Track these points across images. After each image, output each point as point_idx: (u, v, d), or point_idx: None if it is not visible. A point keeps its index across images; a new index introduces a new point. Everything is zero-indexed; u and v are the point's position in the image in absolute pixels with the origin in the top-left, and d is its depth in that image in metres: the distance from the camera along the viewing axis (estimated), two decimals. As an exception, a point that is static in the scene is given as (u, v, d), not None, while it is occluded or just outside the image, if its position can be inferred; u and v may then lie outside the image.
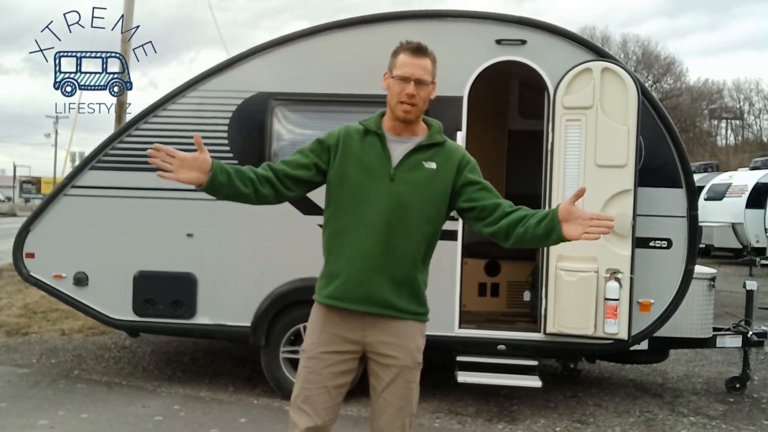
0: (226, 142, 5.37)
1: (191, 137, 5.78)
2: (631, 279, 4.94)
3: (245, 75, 5.41)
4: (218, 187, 2.42)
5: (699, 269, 5.45)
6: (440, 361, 5.39)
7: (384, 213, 2.47)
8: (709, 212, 18.90)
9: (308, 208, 5.01)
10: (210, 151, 5.75)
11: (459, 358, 5.21)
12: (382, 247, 2.47)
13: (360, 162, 2.52)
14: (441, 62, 5.15)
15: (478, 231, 2.55)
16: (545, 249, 5.09)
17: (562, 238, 2.33)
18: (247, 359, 6.41)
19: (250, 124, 5.37)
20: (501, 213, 2.48)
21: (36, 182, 58.54)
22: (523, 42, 5.20)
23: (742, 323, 5.89)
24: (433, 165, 2.53)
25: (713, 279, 5.66)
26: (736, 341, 5.77)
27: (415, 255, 2.53)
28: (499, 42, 5.21)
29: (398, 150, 2.54)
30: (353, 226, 2.49)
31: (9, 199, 57.06)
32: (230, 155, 5.36)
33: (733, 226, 18.76)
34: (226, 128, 5.37)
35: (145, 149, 5.69)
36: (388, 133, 2.57)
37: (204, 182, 2.39)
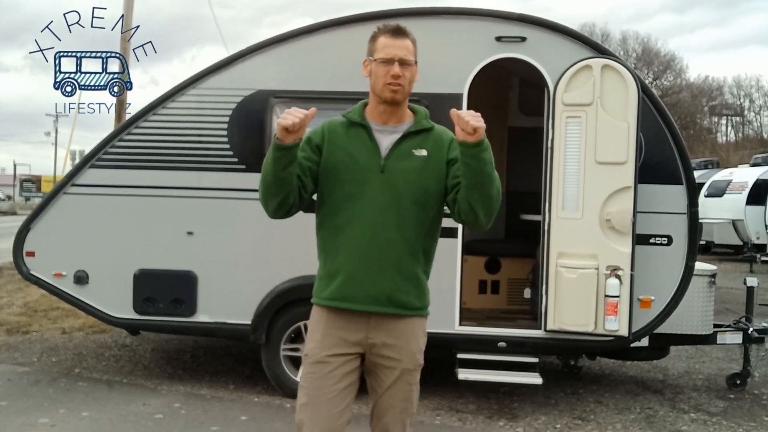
0: (225, 140, 5.36)
1: (191, 135, 5.83)
2: (632, 276, 4.94)
3: (245, 73, 5.40)
4: (291, 157, 2.30)
5: (699, 266, 5.45)
6: (441, 358, 5.40)
7: (379, 207, 2.41)
8: (709, 209, 18.89)
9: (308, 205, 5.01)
10: (210, 149, 5.80)
11: (459, 356, 5.22)
12: (381, 242, 2.41)
13: (348, 156, 2.45)
14: (441, 59, 5.20)
15: (458, 218, 2.45)
16: (545, 246, 5.09)
17: (465, 145, 2.26)
18: (247, 357, 6.42)
19: (250, 121, 5.36)
20: None
21: (36, 181, 58.43)
22: (523, 39, 5.19)
23: (743, 320, 5.89)
24: (423, 152, 2.46)
25: (714, 276, 5.65)
26: (737, 338, 5.77)
27: (415, 246, 2.46)
28: (499, 39, 5.20)
29: (386, 140, 2.48)
30: (349, 224, 2.43)
31: (9, 197, 57.01)
32: (230, 153, 5.36)
33: (734, 222, 18.75)
34: (226, 126, 5.37)
35: (145, 147, 5.75)
36: (373, 123, 2.49)
37: (294, 142, 2.27)
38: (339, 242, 2.46)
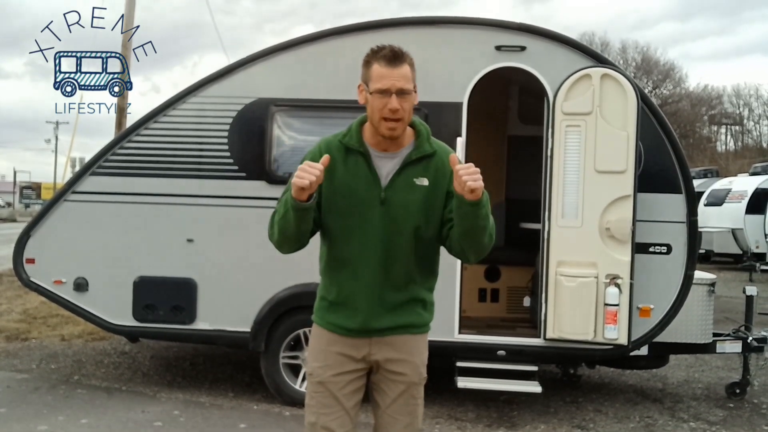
0: (226, 147, 5.38)
1: (191, 143, 5.85)
2: (631, 284, 4.94)
3: (246, 81, 5.42)
4: (311, 211, 2.27)
5: (699, 274, 5.45)
6: (440, 366, 5.39)
7: (380, 240, 2.35)
8: (708, 218, 18.91)
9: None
10: (210, 156, 5.81)
11: (459, 364, 5.22)
12: (383, 276, 2.37)
13: (347, 188, 2.34)
14: (441, 68, 5.22)
15: (448, 250, 2.42)
16: (545, 254, 5.10)
17: (461, 200, 2.18)
18: (246, 365, 6.41)
19: (251, 129, 5.38)
20: None
21: (36, 188, 58.50)
22: (523, 48, 5.22)
23: (742, 328, 5.89)
24: (425, 181, 2.35)
25: (713, 284, 5.66)
26: (736, 346, 5.77)
27: (416, 272, 2.43)
28: (498, 48, 5.23)
29: (386, 167, 2.36)
30: (349, 258, 2.38)
31: (9, 204, 56.99)
32: (230, 161, 5.37)
33: (733, 231, 18.76)
34: (226, 134, 5.38)
35: (145, 155, 5.76)
36: (372, 150, 2.36)
37: (311, 199, 2.21)
38: (341, 276, 2.42)
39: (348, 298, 2.41)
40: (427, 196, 2.36)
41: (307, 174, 2.12)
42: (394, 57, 2.27)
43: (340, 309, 2.44)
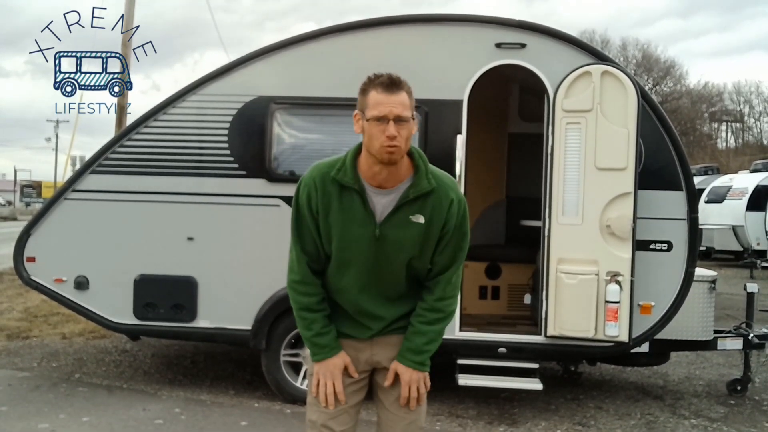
0: (226, 145, 5.37)
1: (191, 141, 5.83)
2: (632, 281, 4.94)
3: (246, 79, 5.42)
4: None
5: (699, 272, 5.45)
6: (441, 364, 5.39)
7: (374, 271, 2.38)
8: (709, 215, 18.91)
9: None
10: (210, 154, 5.80)
11: (460, 361, 5.22)
12: (380, 299, 2.43)
13: (343, 225, 2.33)
14: (442, 66, 5.22)
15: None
16: (546, 251, 5.10)
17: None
18: (247, 362, 6.41)
19: (251, 127, 5.37)
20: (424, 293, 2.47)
21: (37, 186, 58.48)
22: (523, 45, 5.21)
23: (743, 325, 5.88)
24: (421, 219, 2.31)
25: (714, 281, 5.65)
26: (737, 343, 5.76)
27: (414, 292, 2.47)
28: (499, 46, 5.22)
29: (381, 202, 2.31)
30: (345, 286, 2.43)
31: (10, 203, 57.08)
32: (230, 159, 5.37)
33: (734, 228, 18.77)
34: (226, 132, 5.38)
35: (145, 153, 5.75)
36: (368, 185, 2.31)
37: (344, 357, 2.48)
38: (339, 298, 2.47)
39: (345, 316, 2.47)
40: (422, 232, 2.33)
41: (322, 397, 2.41)
42: (392, 84, 2.22)
43: (339, 321, 2.48)
